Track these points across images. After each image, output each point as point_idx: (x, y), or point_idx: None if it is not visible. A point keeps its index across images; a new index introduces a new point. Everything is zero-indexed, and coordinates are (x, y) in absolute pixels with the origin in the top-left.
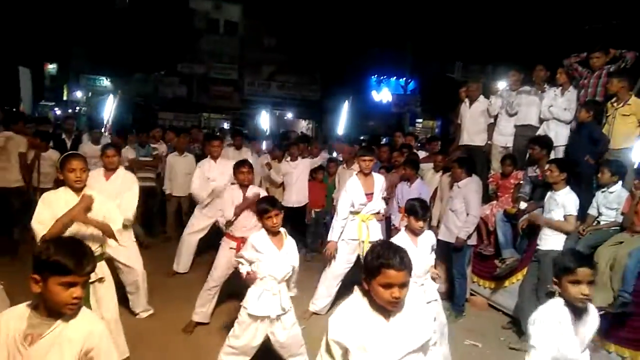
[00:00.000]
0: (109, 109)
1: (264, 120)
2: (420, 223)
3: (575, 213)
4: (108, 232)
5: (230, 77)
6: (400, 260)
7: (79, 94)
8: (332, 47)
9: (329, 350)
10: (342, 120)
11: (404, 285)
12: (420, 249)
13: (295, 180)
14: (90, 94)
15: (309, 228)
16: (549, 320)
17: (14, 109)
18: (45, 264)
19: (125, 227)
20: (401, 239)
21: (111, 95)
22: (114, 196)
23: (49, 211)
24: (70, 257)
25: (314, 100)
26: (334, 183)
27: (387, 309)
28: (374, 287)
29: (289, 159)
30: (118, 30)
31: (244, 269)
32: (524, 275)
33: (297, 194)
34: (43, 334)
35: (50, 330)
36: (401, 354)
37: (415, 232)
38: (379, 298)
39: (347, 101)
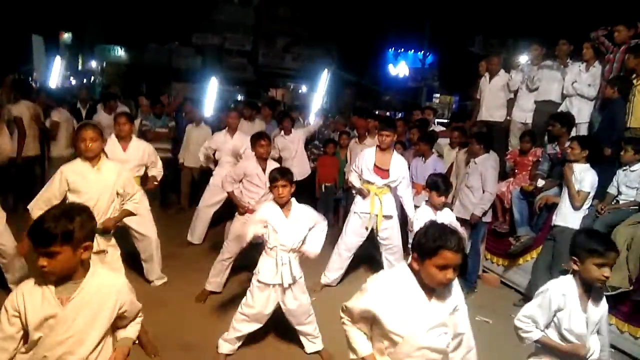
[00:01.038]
0: (56, 71)
1: (212, 88)
2: (442, 199)
3: (587, 190)
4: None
5: (244, 48)
6: (458, 242)
7: (93, 64)
8: (349, 18)
9: (356, 309)
10: (321, 91)
11: (457, 267)
12: None
13: (294, 154)
14: (104, 63)
15: (319, 202)
16: (553, 291)
17: (29, 78)
18: None
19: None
20: (424, 212)
21: (58, 57)
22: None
23: (56, 189)
24: (38, 231)
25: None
26: (347, 157)
27: (433, 289)
28: (427, 268)
29: (282, 133)
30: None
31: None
32: (538, 253)
33: (298, 167)
34: (71, 297)
35: (77, 292)
36: (436, 330)
37: (436, 207)
38: (431, 278)
39: (326, 70)
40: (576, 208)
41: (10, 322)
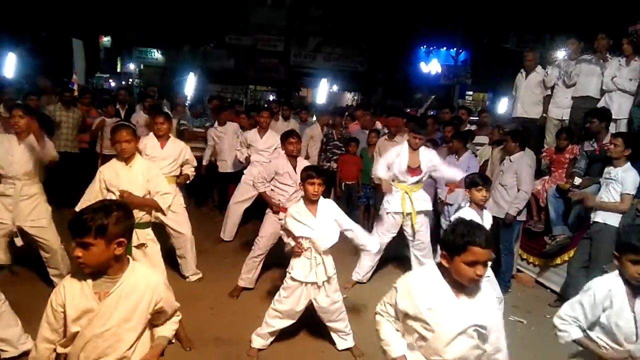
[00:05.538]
0: None
1: (190, 84)
2: (483, 192)
3: (633, 192)
4: (156, 208)
5: (276, 49)
6: (486, 238)
7: (131, 67)
8: (380, 16)
9: (391, 306)
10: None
11: (487, 263)
12: (485, 225)
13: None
14: (142, 66)
15: (340, 201)
16: (598, 289)
17: (69, 81)
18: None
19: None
20: (468, 214)
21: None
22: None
23: (97, 188)
24: (76, 221)
25: (361, 72)
26: (374, 155)
27: (462, 286)
28: (457, 264)
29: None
30: (169, 2)
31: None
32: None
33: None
34: (110, 291)
35: (115, 287)
36: (465, 327)
37: (479, 206)
38: (461, 275)
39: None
40: (624, 212)
41: (55, 316)
